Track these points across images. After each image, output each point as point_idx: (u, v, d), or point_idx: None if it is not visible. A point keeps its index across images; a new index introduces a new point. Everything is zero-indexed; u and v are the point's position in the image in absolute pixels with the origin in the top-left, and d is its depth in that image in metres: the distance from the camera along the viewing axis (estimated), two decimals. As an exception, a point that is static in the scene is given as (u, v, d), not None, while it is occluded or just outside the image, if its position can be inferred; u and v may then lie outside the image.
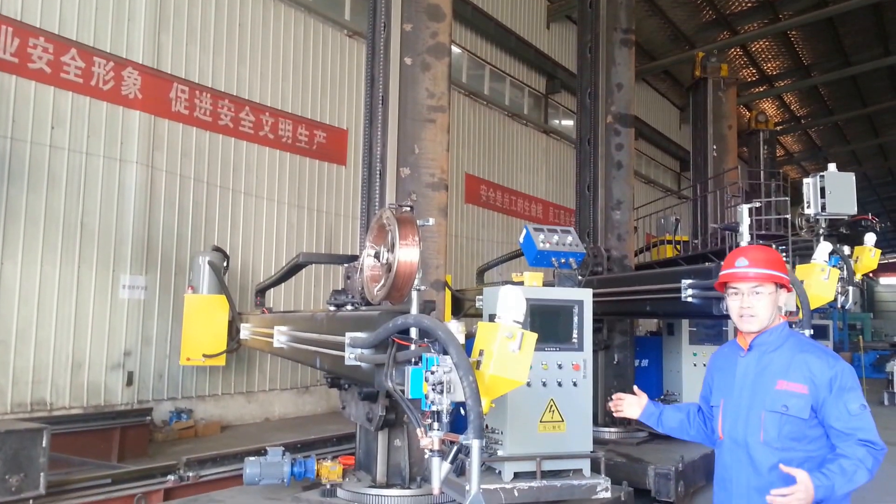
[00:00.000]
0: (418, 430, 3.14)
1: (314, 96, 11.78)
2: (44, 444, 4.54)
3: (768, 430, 2.82)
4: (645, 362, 8.56)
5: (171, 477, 5.46)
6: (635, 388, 3.45)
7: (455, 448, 3.07)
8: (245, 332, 7.87)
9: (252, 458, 5.05)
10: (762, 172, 11.25)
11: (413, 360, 3.36)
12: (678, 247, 11.56)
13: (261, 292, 8.29)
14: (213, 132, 10.08)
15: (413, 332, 3.58)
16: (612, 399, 3.46)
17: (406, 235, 3.45)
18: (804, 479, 2.63)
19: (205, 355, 8.49)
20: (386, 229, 3.57)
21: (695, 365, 7.78)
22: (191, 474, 5.56)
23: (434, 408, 3.11)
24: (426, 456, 3.13)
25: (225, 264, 8.89)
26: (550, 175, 18.65)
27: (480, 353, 3.21)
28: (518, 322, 3.16)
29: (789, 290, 3.02)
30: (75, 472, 5.57)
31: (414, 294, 3.68)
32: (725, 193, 10.32)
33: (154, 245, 9.22)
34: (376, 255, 3.69)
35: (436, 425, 3.10)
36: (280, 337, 5.84)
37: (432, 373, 3.13)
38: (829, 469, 2.67)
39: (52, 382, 8.07)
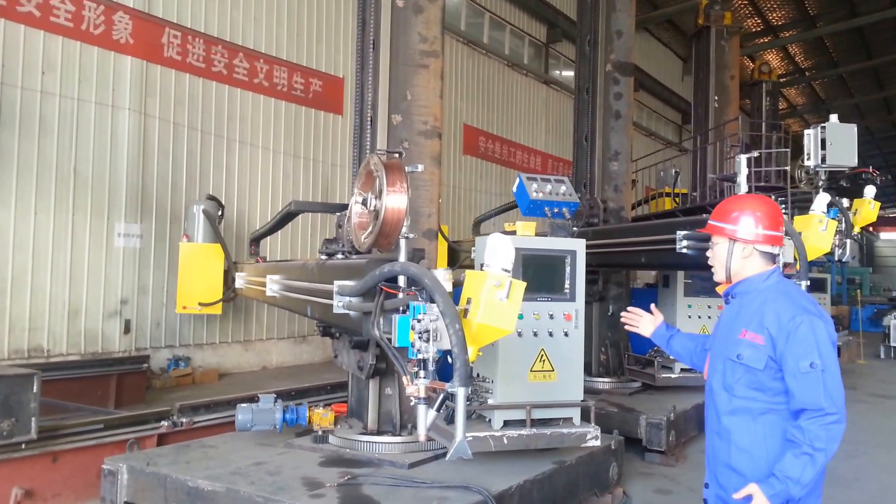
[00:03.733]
0: (404, 377, 3.14)
1: (309, 43, 11.55)
2: (34, 390, 4.56)
3: (726, 377, 2.82)
4: (639, 314, 8.56)
5: (164, 423, 5.49)
6: (652, 306, 3.47)
7: (441, 396, 3.07)
8: (240, 281, 7.87)
9: (244, 405, 5.07)
10: (763, 124, 11.06)
11: (401, 308, 3.35)
12: (677, 199, 11.46)
13: (255, 241, 8.27)
14: (207, 79, 9.92)
15: (401, 281, 3.56)
16: (626, 312, 3.49)
17: (394, 182, 3.39)
18: (756, 493, 2.58)
19: (200, 304, 8.52)
20: (374, 176, 3.51)
21: (689, 317, 7.78)
22: (184, 420, 5.59)
23: (420, 356, 3.11)
24: (412, 403, 3.14)
25: (220, 213, 8.85)
26: (550, 127, 18.43)
27: (468, 302, 3.19)
28: (506, 270, 3.13)
29: (742, 243, 2.86)
30: (69, 417, 5.61)
31: (402, 242, 3.64)
32: (725, 145, 10.17)
33: (148, 193, 9.16)
34: (364, 202, 3.64)
35: (422, 373, 3.10)
36: (272, 286, 5.83)
37: (419, 321, 3.11)
38: (781, 469, 2.58)
39: (48, 329, 8.11)
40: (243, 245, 10.02)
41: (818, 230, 5.06)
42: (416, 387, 3.09)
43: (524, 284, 3.23)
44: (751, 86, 17.16)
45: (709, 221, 2.99)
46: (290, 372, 10.53)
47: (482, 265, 5.01)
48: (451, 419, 4.40)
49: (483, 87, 15.86)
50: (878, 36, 22.92)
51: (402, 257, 3.65)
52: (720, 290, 3.00)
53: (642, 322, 3.42)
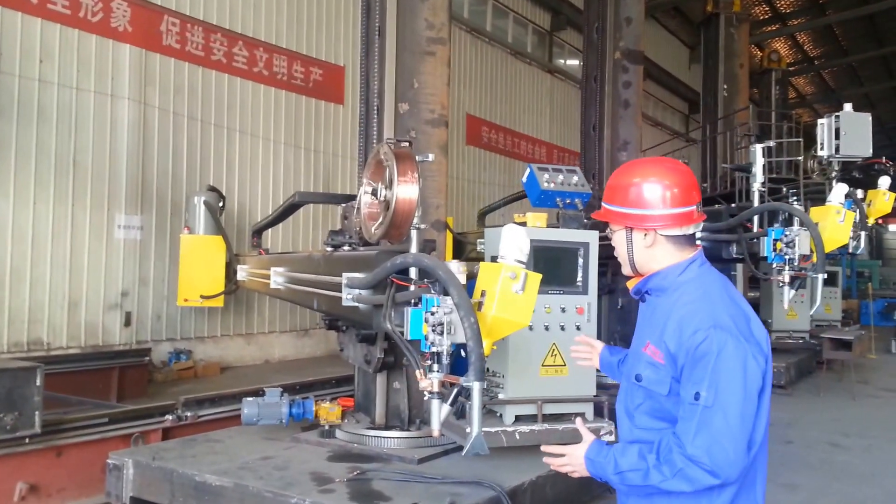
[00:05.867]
0: (417, 371, 3.07)
1: (309, 31, 11.37)
2: (37, 383, 4.48)
3: (628, 401, 2.32)
4: (648, 306, 8.44)
5: (168, 416, 5.44)
6: (583, 334, 3.01)
7: (455, 390, 3.00)
8: (242, 273, 7.78)
9: (250, 399, 5.02)
10: (773, 113, 10.90)
11: (412, 301, 3.27)
12: (683, 190, 11.32)
13: (257, 233, 8.17)
14: (206, 68, 9.76)
15: (412, 273, 3.47)
16: (574, 347, 3.02)
17: (405, 171, 3.29)
18: (581, 446, 2.24)
19: (202, 296, 8.43)
20: (384, 165, 3.41)
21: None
22: (188, 414, 5.54)
23: (434, 349, 3.04)
24: (425, 398, 3.07)
25: (221, 204, 8.74)
26: (555, 117, 18.23)
27: (482, 294, 3.10)
28: (521, 262, 3.04)
29: (640, 229, 2.26)
30: (72, 411, 5.54)
31: (413, 233, 3.56)
32: (736, 134, 10.05)
33: (148, 184, 9.03)
34: (374, 193, 3.54)
35: (435, 367, 3.04)
36: (277, 278, 5.75)
37: (432, 314, 3.05)
38: (619, 450, 2.15)
39: (48, 322, 7.98)
40: (244, 237, 9.90)
41: (836, 221, 4.93)
42: (430, 381, 3.02)
43: (540, 276, 3.14)
44: (760, 74, 16.88)
45: (602, 203, 2.38)
46: (292, 366, 10.42)
47: (493, 257, 4.94)
48: (459, 414, 4.33)
49: (486, 76, 15.67)
50: (889, 24, 22.40)
51: (414, 249, 3.57)
52: (630, 284, 2.43)
53: (594, 354, 2.91)
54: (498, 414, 4.74)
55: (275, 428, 5.14)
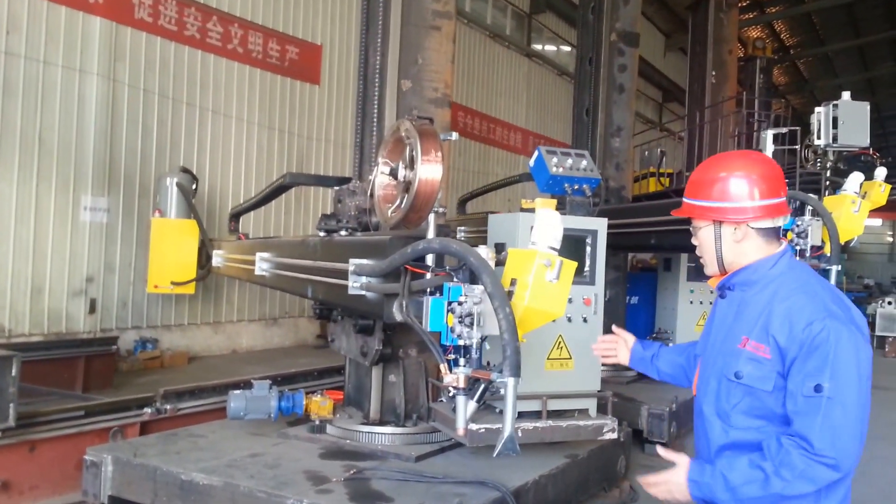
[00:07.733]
0: (441, 365, 2.83)
1: (286, 7, 10.95)
2: (13, 374, 4.13)
3: (721, 401, 2.19)
4: (635, 299, 8.32)
5: (147, 409, 5.11)
6: (614, 327, 2.90)
7: (483, 385, 2.79)
8: (218, 259, 7.41)
9: (237, 392, 4.73)
10: (757, 101, 10.87)
11: (429, 289, 3.04)
12: (662, 180, 11.27)
13: (235, 217, 7.80)
14: (179, 43, 9.31)
15: (428, 259, 3.24)
16: (597, 344, 2.92)
17: (428, 150, 3.05)
18: (678, 470, 2.16)
19: (173, 283, 8.06)
20: (404, 143, 3.15)
21: (691, 302, 7.56)
22: (168, 407, 5.21)
23: (461, 342, 2.80)
24: (449, 394, 2.85)
25: (194, 187, 8.35)
26: (531, 102, 18.00)
27: (512, 283, 2.89)
28: (555, 250, 2.83)
29: (729, 223, 2.18)
30: (43, 402, 5.19)
31: (431, 217, 3.31)
32: (727, 123, 9.95)
33: (117, 165, 8.58)
34: (391, 173, 3.27)
35: (462, 361, 2.80)
36: (262, 264, 5.43)
37: (459, 304, 2.81)
38: (725, 465, 2.07)
39: (10, 308, 7.54)
40: (215, 221, 9.53)
41: (850, 211, 4.84)
42: (456, 376, 2.80)
43: (575, 265, 2.93)
44: (745, 62, 16.81)
45: (684, 199, 2.29)
46: (261, 356, 10.09)
47: (496, 244, 4.72)
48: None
49: (463, 59, 15.29)
50: (867, 13, 22.26)
51: (431, 233, 3.33)
52: (713, 283, 2.37)
53: (619, 349, 2.82)
54: (497, 410, 4.53)
55: (260, 422, 4.85)
